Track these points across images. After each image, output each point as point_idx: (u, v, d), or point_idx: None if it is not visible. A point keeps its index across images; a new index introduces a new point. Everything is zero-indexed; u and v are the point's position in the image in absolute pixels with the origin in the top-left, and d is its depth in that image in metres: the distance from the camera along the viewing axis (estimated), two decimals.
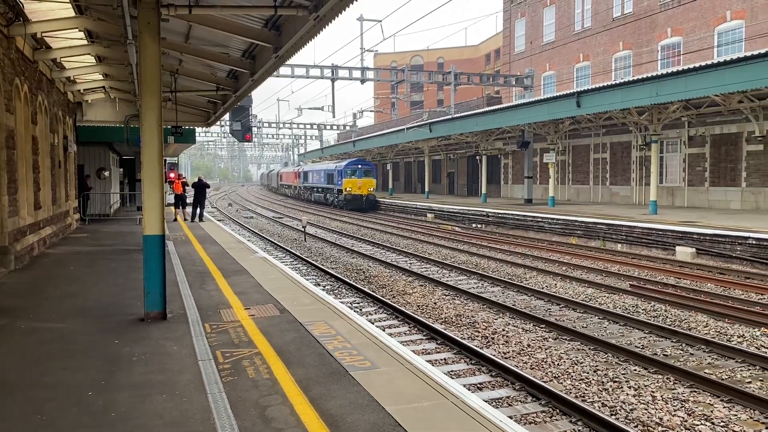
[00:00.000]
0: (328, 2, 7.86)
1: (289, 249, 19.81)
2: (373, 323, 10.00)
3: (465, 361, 8.26)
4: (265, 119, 70.66)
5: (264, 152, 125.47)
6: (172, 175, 27.05)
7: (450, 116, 34.70)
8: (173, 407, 4.73)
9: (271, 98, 77.21)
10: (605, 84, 22.89)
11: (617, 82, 22.08)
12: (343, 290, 13.24)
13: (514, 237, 23.67)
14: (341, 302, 11.39)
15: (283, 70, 30.80)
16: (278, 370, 5.56)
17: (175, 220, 24.07)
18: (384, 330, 9.73)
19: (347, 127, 62.29)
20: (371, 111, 59.74)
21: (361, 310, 11.30)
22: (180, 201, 25.95)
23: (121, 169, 32.29)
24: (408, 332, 9.80)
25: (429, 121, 38.03)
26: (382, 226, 29.46)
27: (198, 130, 62.68)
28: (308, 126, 63.91)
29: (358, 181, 40.20)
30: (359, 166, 40.93)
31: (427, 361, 8.08)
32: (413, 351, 8.53)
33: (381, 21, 31.75)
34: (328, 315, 7.77)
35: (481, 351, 8.31)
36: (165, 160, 31.00)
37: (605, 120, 27.59)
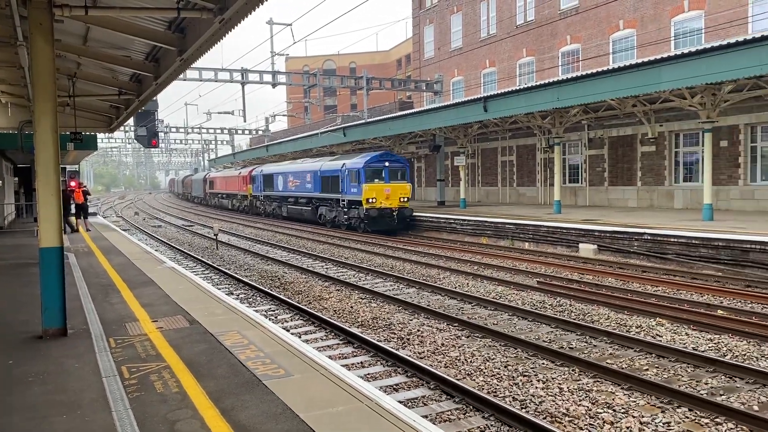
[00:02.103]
0: (234, 5, 7.71)
1: (200, 258, 19.24)
2: (288, 330, 9.89)
3: (381, 363, 8.30)
4: (173, 124, 68.38)
5: (173, 158, 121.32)
6: (73, 183, 25.61)
7: (363, 121, 34.88)
8: (74, 428, 4.49)
9: (178, 102, 75.06)
10: (510, 89, 23.72)
11: (521, 87, 22.93)
12: (258, 298, 13.00)
13: (428, 238, 24.18)
14: (255, 311, 11.19)
15: (190, 73, 29.94)
16: (188, 383, 5.39)
17: (77, 230, 22.84)
18: (300, 337, 9.65)
19: (260, 132, 61.32)
20: (284, 115, 59.11)
21: (276, 317, 11.13)
22: (82, 211, 24.68)
23: (16, 179, 30.28)
24: (324, 338, 9.75)
25: (343, 125, 38.06)
26: (302, 233, 29.18)
27: (100, 136, 59.71)
28: (218, 131, 62.41)
29: (386, 186, 25.74)
30: (387, 164, 26.14)
31: (344, 365, 8.08)
32: (330, 356, 8.50)
33: (291, 24, 31.52)
34: (241, 324, 7.61)
35: (396, 352, 8.38)
36: (64, 168, 29.38)
37: (511, 124, 28.58)
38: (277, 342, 6.73)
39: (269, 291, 13.27)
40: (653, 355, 8.34)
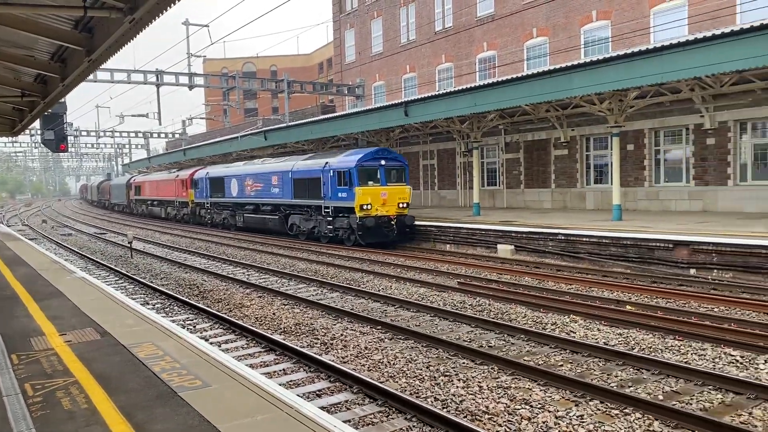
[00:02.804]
0: (145, 4, 7.44)
1: (113, 267, 18.44)
2: (207, 340, 9.63)
3: (304, 370, 8.22)
4: (84, 127, 65.29)
5: (84, 163, 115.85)
6: None
7: (285, 124, 34.52)
8: None
9: (89, 104, 71.70)
10: (430, 94, 24.10)
11: (440, 92, 23.34)
12: (176, 307, 12.58)
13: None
14: (172, 321, 10.84)
15: (101, 74, 28.72)
16: (98, 398, 5.13)
17: None
18: (220, 346, 9.41)
19: (176, 135, 59.52)
20: (202, 118, 57.62)
21: (195, 327, 10.81)
22: None
23: None
24: (246, 346, 9.55)
25: (264, 129, 37.53)
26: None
27: (3, 139, 56.31)
28: (133, 134, 60.10)
29: (383, 190, 21.68)
30: (383, 162, 22.07)
31: (266, 373, 7.94)
32: (251, 364, 8.34)
33: (208, 25, 30.79)
34: (156, 335, 7.33)
35: (319, 358, 8.32)
36: None
37: (432, 128, 29.05)
38: (194, 352, 6.53)
39: (187, 300, 12.87)
40: (568, 351, 8.66)
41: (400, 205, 21.99)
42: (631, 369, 7.76)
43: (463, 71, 33.54)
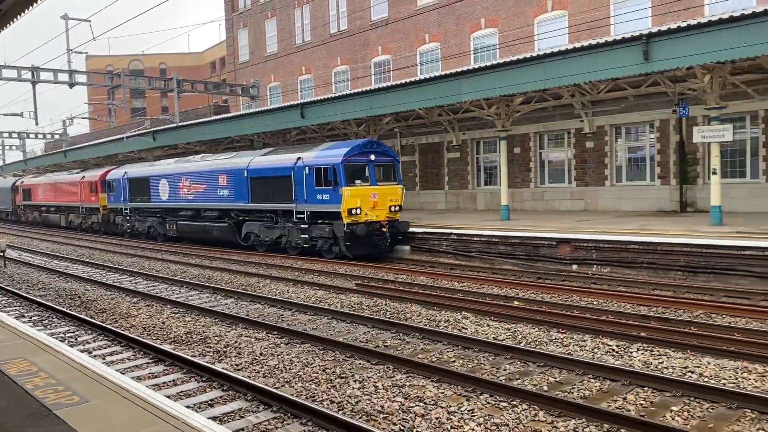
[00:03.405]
0: None
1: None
2: (90, 353, 9.08)
3: (196, 380, 7.93)
4: None
5: None
6: None
7: (175, 125, 33.26)
8: None
9: None
10: (326, 97, 24.09)
11: (337, 95, 23.40)
12: (55, 320, 11.77)
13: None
14: (49, 334, 10.15)
15: None
16: None
17: None
18: (104, 358, 8.90)
19: (56, 136, 55.78)
20: (84, 118, 54.34)
21: (76, 339, 10.16)
22: None
23: None
24: (132, 357, 9.09)
25: (152, 129, 35.96)
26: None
27: None
28: (6, 135, 55.70)
29: (372, 190, 18.26)
30: (372, 157, 18.45)
31: (154, 385, 7.60)
32: (137, 377, 7.95)
33: (89, 20, 29.10)
34: (29, 350, 6.81)
35: (211, 366, 8.06)
36: None
37: (329, 131, 29.03)
38: (72, 366, 6.13)
39: (67, 311, 12.08)
40: (460, 347, 8.91)
41: (392, 209, 18.54)
42: (518, 362, 8.10)
43: (359, 74, 33.78)
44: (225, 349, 9.30)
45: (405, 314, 11.17)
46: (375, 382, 7.49)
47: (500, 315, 10.67)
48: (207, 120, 31.15)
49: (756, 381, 6.99)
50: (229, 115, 31.57)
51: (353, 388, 7.36)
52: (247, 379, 7.45)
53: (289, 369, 8.20)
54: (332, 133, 30.07)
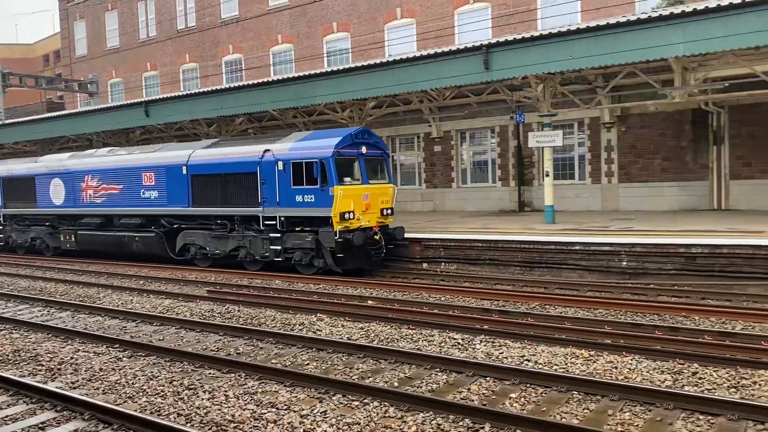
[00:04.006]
0: None
1: None
2: None
3: (24, 402, 7.22)
4: None
5: None
6: None
7: (1, 122, 30.11)
8: None
9: None
10: (173, 95, 23.07)
11: (184, 93, 22.49)
12: None
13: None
14: None
15: None
16: None
17: None
18: None
19: None
20: None
21: None
22: None
23: None
24: None
25: None
26: None
27: None
28: None
29: (364, 190, 15.25)
30: (364, 150, 15.32)
31: None
32: None
33: None
34: None
35: (42, 386, 7.38)
36: None
37: (177, 130, 27.77)
38: None
39: None
40: (314, 349, 8.91)
41: (384, 212, 15.62)
42: (371, 360, 8.26)
43: (209, 72, 32.70)
44: (59, 367, 8.57)
45: (259, 319, 10.97)
46: (226, 391, 7.28)
47: (355, 315, 10.83)
48: (38, 117, 28.54)
49: (582, 365, 7.68)
50: (64, 112, 29.17)
51: (202, 398, 7.09)
52: (83, 397, 6.91)
53: (132, 384, 7.73)
54: (181, 133, 28.83)
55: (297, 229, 15.25)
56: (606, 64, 14.20)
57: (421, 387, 7.18)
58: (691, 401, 6.16)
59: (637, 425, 5.85)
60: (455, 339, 9.08)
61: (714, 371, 7.15)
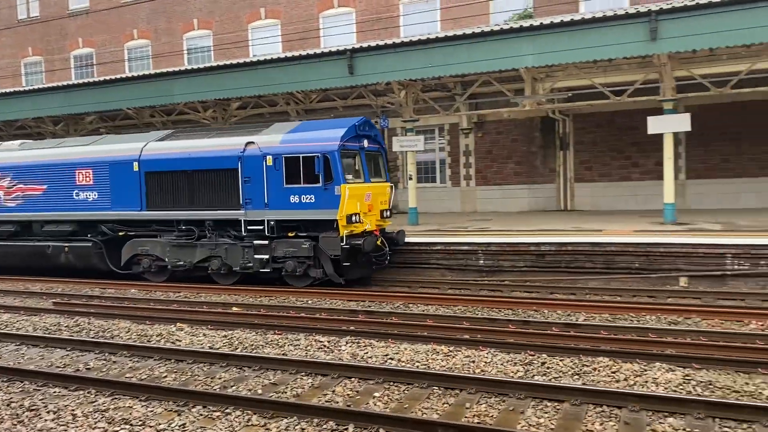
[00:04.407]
0: None
1: None
2: None
3: None
4: None
5: None
6: None
7: None
8: None
9: None
10: (14, 90, 21.10)
11: (27, 88, 20.66)
12: None
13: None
14: None
15: None
16: None
17: None
18: None
19: None
20: None
21: None
22: None
23: None
24: None
25: None
26: None
27: None
28: None
29: (367, 189, 13.42)
30: (365, 143, 13.67)
31: None
32: None
33: None
34: None
35: None
36: None
37: (17, 129, 25.39)
38: None
39: None
40: (173, 360, 8.50)
41: (384, 214, 14.00)
42: (234, 369, 8.02)
43: (56, 66, 30.26)
44: None
45: (112, 332, 10.29)
46: (73, 410, 6.73)
47: (218, 323, 10.48)
48: None
49: (443, 360, 7.96)
50: None
51: (46, 420, 6.52)
52: None
53: None
54: (23, 132, 26.44)
55: (289, 234, 13.21)
56: (463, 72, 14.91)
57: (286, 392, 7.08)
58: (540, 390, 6.59)
59: (492, 416, 6.16)
60: (321, 342, 9.07)
61: (560, 360, 7.71)
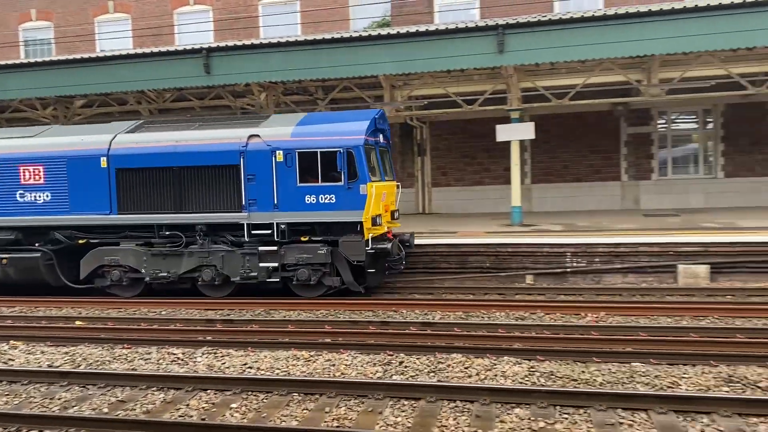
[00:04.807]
0: None
1: None
2: None
3: None
4: None
5: None
6: None
7: None
8: None
9: None
10: None
11: None
12: None
13: None
14: None
15: None
16: None
17: None
18: None
19: None
20: None
21: None
22: None
23: None
24: None
25: None
26: None
27: None
28: None
29: (384, 188, 12.25)
30: (380, 138, 12.72)
31: None
32: None
33: None
34: None
35: None
36: None
37: None
38: None
39: None
40: (4, 382, 7.70)
41: (394, 215, 12.88)
42: (76, 387, 7.41)
43: None
44: None
45: None
46: None
47: (59, 338, 9.65)
48: None
49: (303, 366, 7.89)
50: None
51: None
52: None
53: None
54: None
55: (301, 239, 11.84)
56: (324, 77, 14.94)
57: (135, 409, 6.66)
58: (398, 389, 6.73)
59: (351, 418, 6.19)
60: (175, 354, 8.64)
61: (417, 359, 7.94)
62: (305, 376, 7.45)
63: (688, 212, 17.97)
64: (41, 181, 12.92)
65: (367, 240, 11.36)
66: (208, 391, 7.11)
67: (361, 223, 11.35)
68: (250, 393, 6.98)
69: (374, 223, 11.53)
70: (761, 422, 5.76)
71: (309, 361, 8.09)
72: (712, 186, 19.58)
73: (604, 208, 20.08)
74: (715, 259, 12.44)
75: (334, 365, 7.84)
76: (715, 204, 19.36)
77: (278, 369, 7.82)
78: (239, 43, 15.01)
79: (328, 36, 14.60)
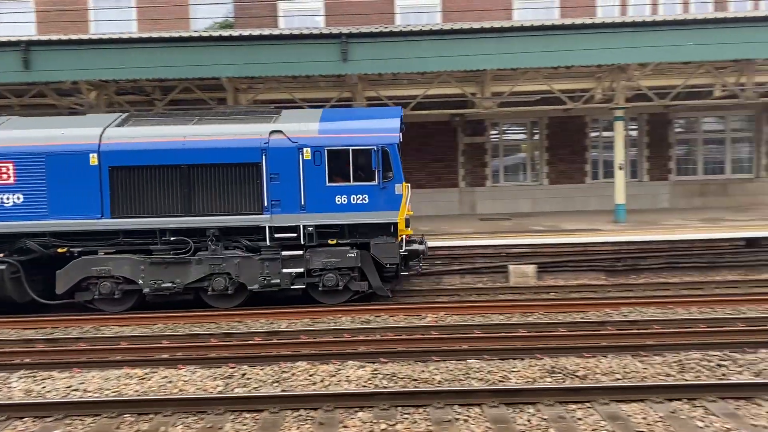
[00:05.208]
0: None
1: None
2: None
3: None
4: None
5: None
6: None
7: None
8: None
9: None
10: None
11: None
12: None
13: None
14: None
15: None
16: None
17: None
18: None
19: None
20: None
21: None
22: None
23: None
24: None
25: None
26: None
27: None
28: None
29: (406, 187, 11.23)
30: (401, 136, 11.39)
31: None
32: None
33: None
34: None
35: None
36: None
37: None
38: None
39: None
40: None
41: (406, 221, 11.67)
42: None
43: None
44: None
45: None
46: None
47: None
48: None
49: (137, 385, 7.38)
50: None
51: None
52: None
53: None
54: None
55: (329, 242, 11.05)
56: (160, 77, 14.19)
57: None
58: (239, 402, 6.53)
59: None
60: None
61: (261, 370, 7.75)
62: (139, 395, 6.97)
63: (519, 216, 19.40)
64: (10, 180, 10.98)
65: (401, 241, 11.18)
66: (25, 419, 6.42)
67: (395, 224, 11.06)
68: (74, 418, 6.40)
69: (407, 224, 11.29)
70: (578, 408, 6.32)
71: (143, 379, 7.59)
72: (539, 192, 21.29)
73: (444, 213, 21.06)
74: (542, 259, 13.55)
75: (171, 382, 7.42)
76: (541, 209, 21.09)
77: (108, 389, 7.25)
78: (65, 38, 13.82)
79: (165, 35, 13.90)
